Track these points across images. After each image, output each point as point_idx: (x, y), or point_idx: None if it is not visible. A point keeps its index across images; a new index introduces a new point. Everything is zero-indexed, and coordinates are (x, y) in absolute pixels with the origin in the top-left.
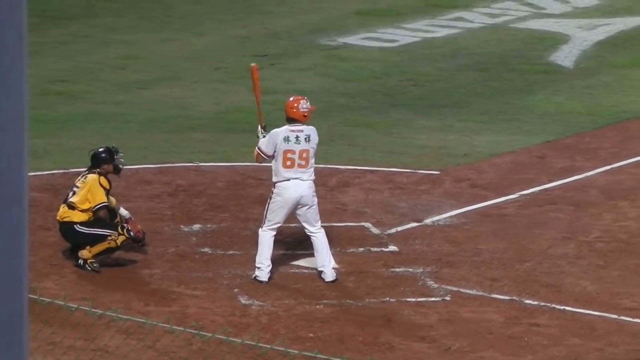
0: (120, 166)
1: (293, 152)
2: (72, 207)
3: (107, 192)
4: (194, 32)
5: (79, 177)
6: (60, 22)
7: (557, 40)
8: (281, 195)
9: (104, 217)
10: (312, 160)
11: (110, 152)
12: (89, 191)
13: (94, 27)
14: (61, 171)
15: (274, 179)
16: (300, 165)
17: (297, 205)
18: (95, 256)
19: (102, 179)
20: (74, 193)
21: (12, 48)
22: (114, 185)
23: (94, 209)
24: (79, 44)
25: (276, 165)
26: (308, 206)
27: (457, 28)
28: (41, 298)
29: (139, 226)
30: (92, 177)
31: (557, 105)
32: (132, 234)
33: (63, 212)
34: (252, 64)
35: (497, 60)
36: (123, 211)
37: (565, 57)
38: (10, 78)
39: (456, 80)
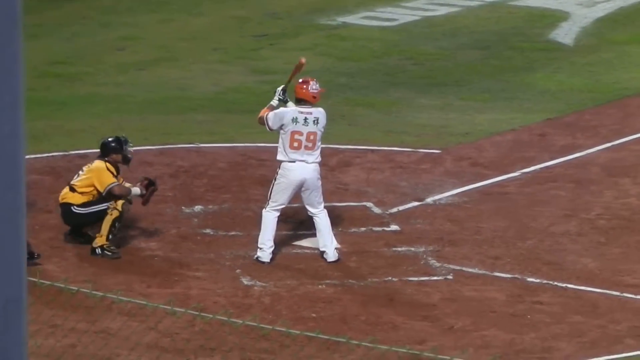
0: (129, 156)
1: (301, 133)
2: (73, 189)
3: (115, 177)
4: (192, 12)
5: (88, 164)
6: (59, 3)
7: (557, 17)
8: (286, 177)
9: (120, 192)
10: (319, 143)
11: (120, 142)
12: (96, 177)
13: (93, 8)
14: (61, 153)
15: (280, 157)
16: (307, 147)
17: (302, 187)
18: (108, 239)
19: (109, 165)
20: (78, 176)
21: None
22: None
23: (106, 191)
24: (77, 26)
25: (283, 144)
26: (312, 189)
27: (457, 6)
28: (42, 281)
29: (150, 189)
30: (99, 162)
31: (558, 83)
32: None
33: (64, 194)
34: (303, 60)
35: (497, 39)
36: (135, 189)
37: (565, 34)
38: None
39: (456, 59)
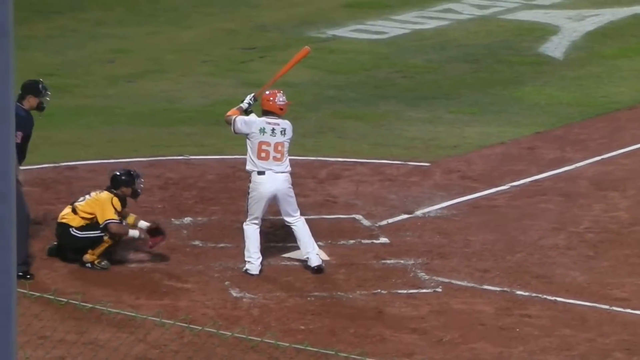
0: (139, 191)
1: (268, 144)
2: (75, 211)
3: (117, 213)
4: (181, 25)
5: (97, 191)
6: (49, 16)
7: (546, 31)
8: (256, 190)
9: (117, 231)
10: (287, 154)
11: (131, 176)
12: (100, 208)
13: (83, 20)
14: (51, 165)
15: (249, 167)
16: (275, 158)
17: (274, 198)
18: (98, 256)
19: (115, 200)
20: (84, 199)
21: None
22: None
23: (103, 225)
24: (67, 38)
25: (251, 154)
26: (284, 199)
27: (446, 20)
28: (31, 292)
29: (159, 238)
30: (106, 194)
31: (547, 97)
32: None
33: (65, 214)
34: (307, 47)
35: (486, 52)
36: (143, 223)
37: (554, 48)
38: None
39: (446, 72)
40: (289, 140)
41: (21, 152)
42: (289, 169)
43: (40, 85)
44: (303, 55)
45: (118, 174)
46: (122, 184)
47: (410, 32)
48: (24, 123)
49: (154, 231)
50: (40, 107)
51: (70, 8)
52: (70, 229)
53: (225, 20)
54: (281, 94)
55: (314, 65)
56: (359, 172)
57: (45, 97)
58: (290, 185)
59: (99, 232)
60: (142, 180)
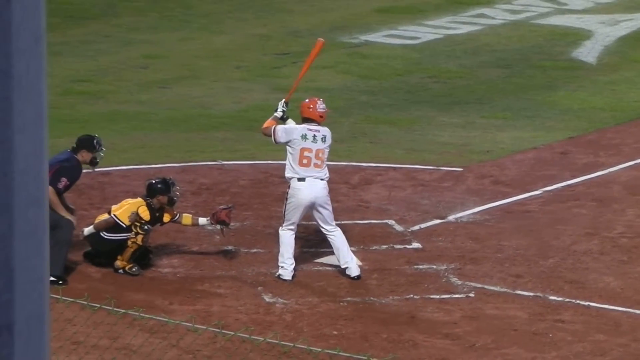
0: (175, 199)
1: (310, 150)
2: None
3: (144, 223)
4: (214, 30)
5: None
6: (82, 22)
7: (579, 36)
8: (295, 196)
9: (108, 225)
10: (326, 161)
11: (167, 184)
12: (126, 207)
13: (116, 26)
14: (84, 171)
15: (288, 175)
16: (316, 165)
17: (312, 205)
18: (128, 261)
19: (143, 209)
20: (120, 206)
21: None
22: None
23: (112, 215)
24: (100, 44)
25: (292, 161)
26: (322, 207)
27: (479, 25)
28: (64, 297)
29: (223, 213)
30: (139, 200)
31: (580, 101)
32: (147, 227)
33: (101, 218)
34: (321, 39)
35: (519, 57)
36: (202, 220)
37: (587, 52)
38: (27, 79)
39: (478, 77)
40: (328, 148)
41: (61, 197)
42: (327, 176)
43: (94, 141)
44: (319, 48)
45: (153, 182)
46: (158, 192)
47: (443, 37)
48: (73, 172)
49: (217, 215)
50: (93, 162)
51: (103, 14)
52: (100, 232)
53: (258, 25)
54: (321, 102)
55: (346, 71)
56: (392, 177)
57: (99, 152)
58: (328, 194)
59: (124, 234)
60: (178, 187)
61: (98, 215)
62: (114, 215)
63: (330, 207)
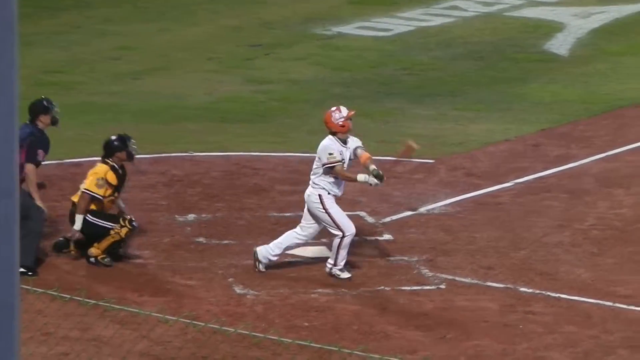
0: (134, 153)
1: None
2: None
3: (114, 188)
4: (187, 22)
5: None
6: (55, 12)
7: (552, 28)
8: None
9: (87, 203)
10: (316, 168)
11: (123, 140)
12: (93, 176)
13: (88, 17)
14: (55, 162)
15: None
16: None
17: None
18: (103, 251)
19: (110, 174)
20: (86, 178)
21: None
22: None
23: (83, 191)
24: (73, 35)
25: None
26: (311, 211)
27: (451, 17)
28: (34, 288)
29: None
30: (103, 167)
31: (552, 94)
32: (135, 224)
33: (76, 197)
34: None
35: (491, 49)
36: (121, 203)
37: (560, 45)
38: None
39: (451, 69)
40: (318, 155)
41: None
42: (315, 183)
43: (44, 102)
44: (408, 152)
45: (110, 140)
46: (116, 149)
47: (416, 29)
48: (44, 141)
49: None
50: (54, 122)
51: (76, 5)
52: (86, 216)
53: (230, 17)
54: (337, 111)
55: (319, 62)
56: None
57: (54, 108)
58: (317, 201)
59: (109, 223)
60: (134, 141)
61: (72, 197)
62: (85, 190)
63: (321, 214)
